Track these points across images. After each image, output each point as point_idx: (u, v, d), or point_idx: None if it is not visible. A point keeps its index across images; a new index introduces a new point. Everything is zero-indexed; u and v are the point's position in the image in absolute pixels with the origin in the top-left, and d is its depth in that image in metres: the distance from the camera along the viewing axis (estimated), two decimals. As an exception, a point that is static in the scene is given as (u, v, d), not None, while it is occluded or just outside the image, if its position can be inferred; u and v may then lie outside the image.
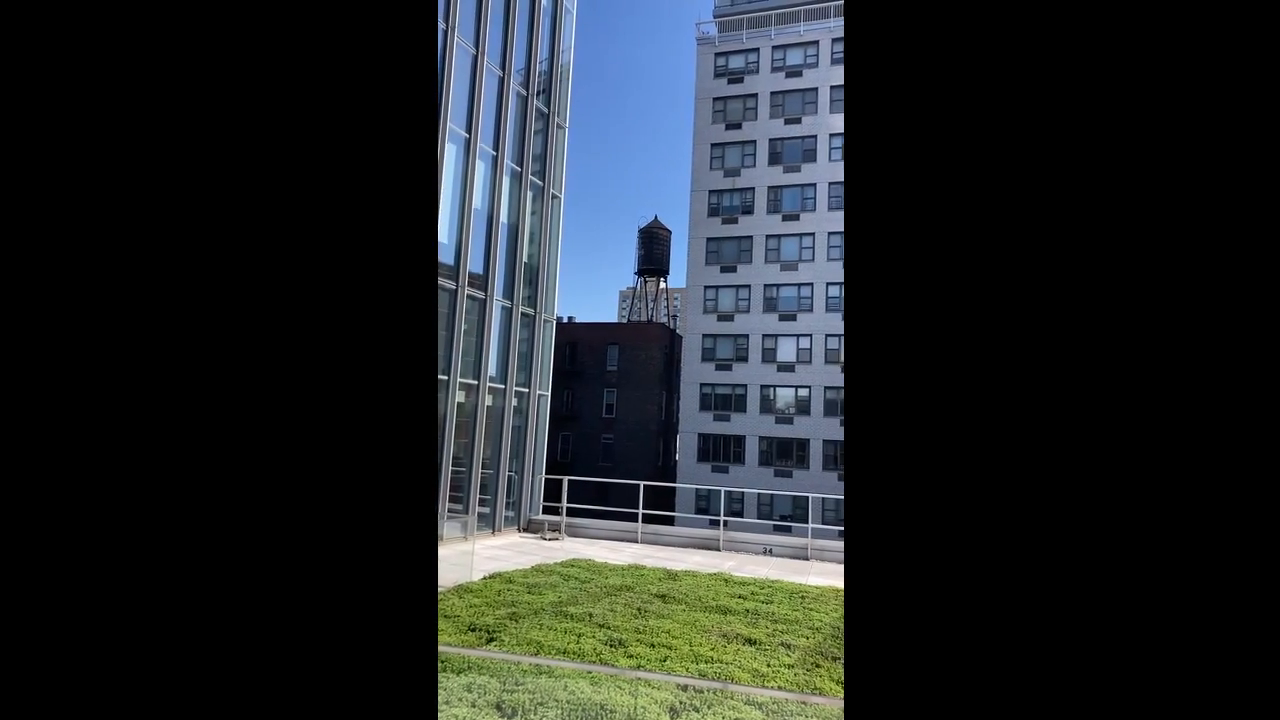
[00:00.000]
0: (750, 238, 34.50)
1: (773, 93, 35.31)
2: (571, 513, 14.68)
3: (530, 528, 14.65)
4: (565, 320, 43.48)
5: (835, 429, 31.84)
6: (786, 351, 33.29)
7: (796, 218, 33.97)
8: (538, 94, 15.86)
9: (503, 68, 14.59)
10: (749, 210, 34.79)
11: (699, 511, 31.23)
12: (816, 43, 34.95)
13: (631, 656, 5.65)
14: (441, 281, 12.85)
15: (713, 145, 35.87)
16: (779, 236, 34.13)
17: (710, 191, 35.48)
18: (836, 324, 32.56)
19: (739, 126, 35.65)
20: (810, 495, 16.31)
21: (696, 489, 31.38)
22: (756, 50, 35.94)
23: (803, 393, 32.80)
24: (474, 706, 4.37)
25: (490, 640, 6.04)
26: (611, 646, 5.90)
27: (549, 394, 16.11)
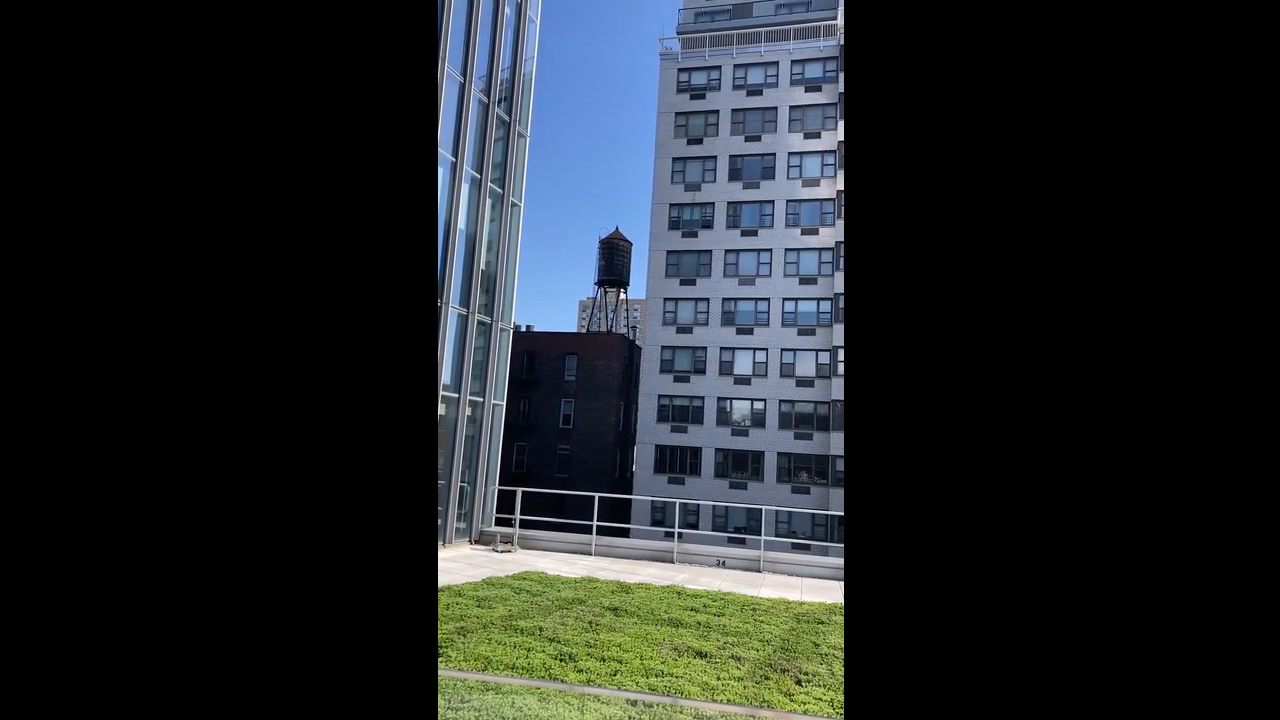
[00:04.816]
0: (710, 252, 34.85)
1: (734, 110, 35.86)
2: (525, 524, 14.48)
3: (482, 540, 14.40)
4: (523, 329, 43.11)
5: (789, 442, 32.24)
6: (743, 365, 33.64)
7: (755, 233, 34.46)
8: (499, 101, 15.77)
9: (464, 74, 14.47)
10: (709, 225, 35.15)
11: (655, 523, 31.18)
12: (776, 63, 35.66)
13: (581, 671, 5.58)
14: (396, 287, 12.62)
15: (674, 159, 36.19)
16: (738, 251, 34.56)
17: (671, 205, 35.77)
18: (792, 338, 33.07)
19: (700, 142, 36.08)
20: (764, 507, 16.45)
21: (652, 501, 31.37)
22: (719, 68, 36.48)
23: (758, 405, 33.16)
24: (417, 725, 4.24)
25: (436, 656, 5.89)
26: (561, 661, 5.82)
27: (504, 403, 15.91)
